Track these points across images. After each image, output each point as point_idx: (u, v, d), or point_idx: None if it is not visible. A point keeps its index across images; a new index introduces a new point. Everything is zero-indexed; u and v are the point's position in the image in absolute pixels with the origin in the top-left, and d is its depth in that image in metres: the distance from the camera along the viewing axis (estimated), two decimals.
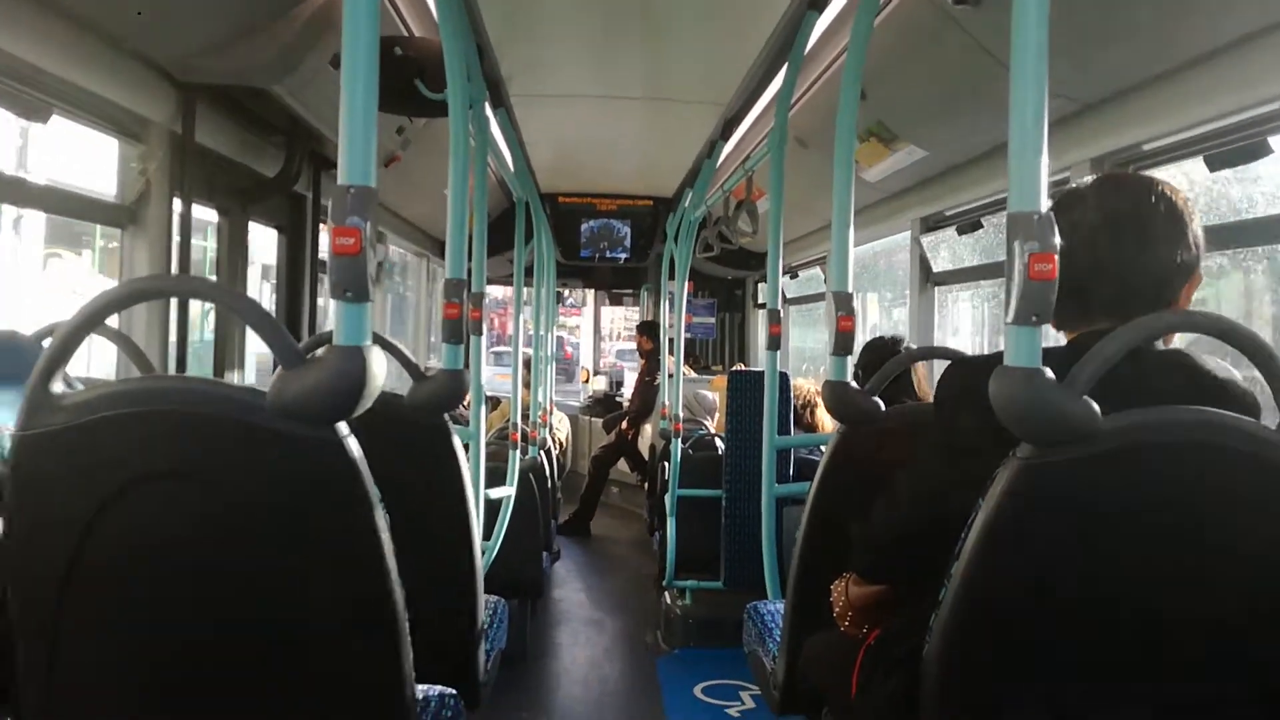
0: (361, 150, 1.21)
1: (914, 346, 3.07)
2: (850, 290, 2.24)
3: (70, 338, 1.25)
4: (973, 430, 1.33)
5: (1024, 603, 1.23)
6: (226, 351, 3.45)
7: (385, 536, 1.26)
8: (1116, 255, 1.38)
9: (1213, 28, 2.06)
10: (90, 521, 1.20)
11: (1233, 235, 2.44)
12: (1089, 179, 1.50)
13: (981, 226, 3.68)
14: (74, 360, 1.28)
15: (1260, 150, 2.18)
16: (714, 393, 6.28)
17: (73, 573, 1.21)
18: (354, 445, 1.22)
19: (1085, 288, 1.37)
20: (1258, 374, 1.25)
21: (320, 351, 1.21)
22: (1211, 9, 2.00)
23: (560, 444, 6.84)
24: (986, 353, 1.46)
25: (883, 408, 2.09)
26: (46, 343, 1.27)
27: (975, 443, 1.28)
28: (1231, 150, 2.26)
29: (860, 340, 2.63)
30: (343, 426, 1.21)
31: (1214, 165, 2.33)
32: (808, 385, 4.38)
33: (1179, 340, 1.46)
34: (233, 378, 3.46)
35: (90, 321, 1.26)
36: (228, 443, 1.21)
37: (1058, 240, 1.13)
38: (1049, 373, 1.14)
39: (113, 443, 1.20)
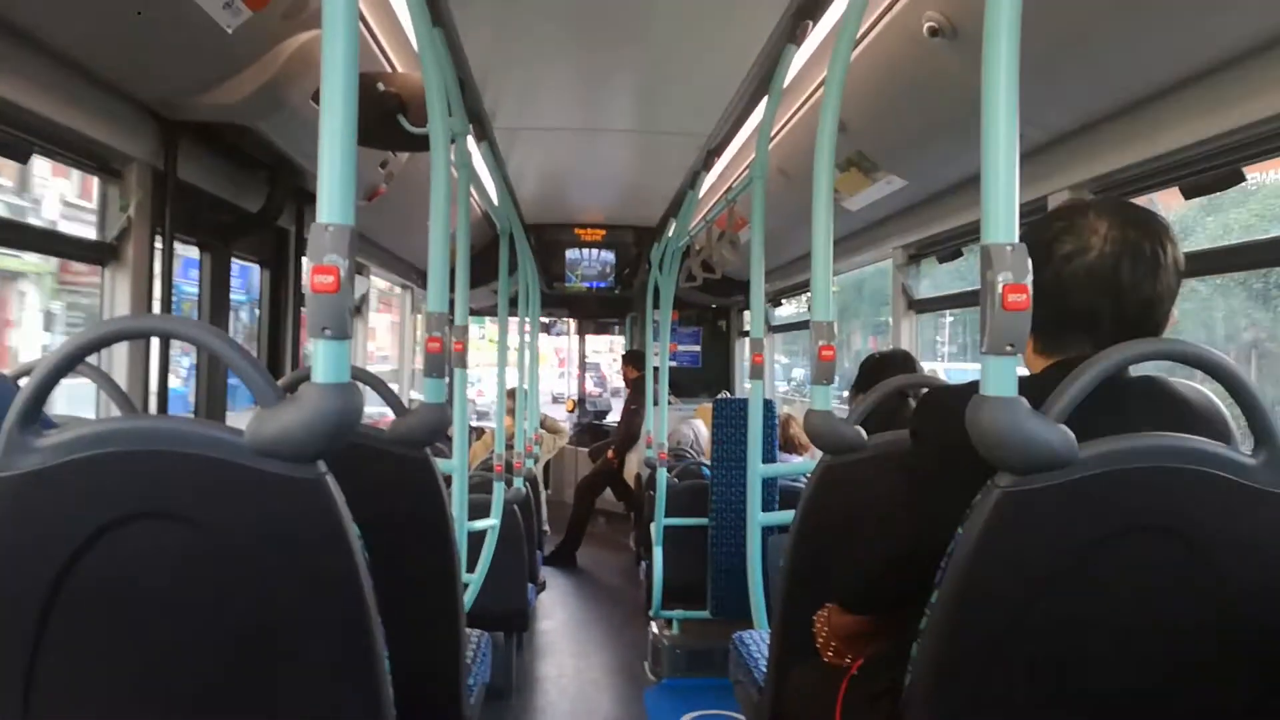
0: (340, 188, 1.22)
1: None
2: (832, 319, 2.25)
3: (48, 377, 1.24)
4: (951, 459, 1.33)
5: (1004, 631, 1.23)
6: (211, 389, 3.44)
7: (365, 573, 1.25)
8: (1128, 281, 1.36)
9: (1183, 57, 2.09)
10: (67, 563, 1.18)
11: (1217, 261, 2.43)
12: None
13: (962, 255, 3.71)
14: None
15: (1234, 178, 2.21)
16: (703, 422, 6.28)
17: (49, 616, 1.20)
18: (333, 483, 1.21)
19: (1092, 313, 1.37)
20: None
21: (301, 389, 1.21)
22: (1181, 38, 2.03)
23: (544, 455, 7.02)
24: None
25: (865, 436, 2.09)
26: (23, 382, 1.26)
27: (953, 471, 1.28)
28: (1207, 178, 2.28)
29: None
30: (321, 464, 1.21)
31: (1189, 193, 2.35)
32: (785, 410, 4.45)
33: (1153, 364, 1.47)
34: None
35: (69, 361, 1.25)
36: (206, 482, 1.20)
37: (1030, 272, 1.14)
38: (1025, 401, 1.14)
39: (91, 483, 1.19)
